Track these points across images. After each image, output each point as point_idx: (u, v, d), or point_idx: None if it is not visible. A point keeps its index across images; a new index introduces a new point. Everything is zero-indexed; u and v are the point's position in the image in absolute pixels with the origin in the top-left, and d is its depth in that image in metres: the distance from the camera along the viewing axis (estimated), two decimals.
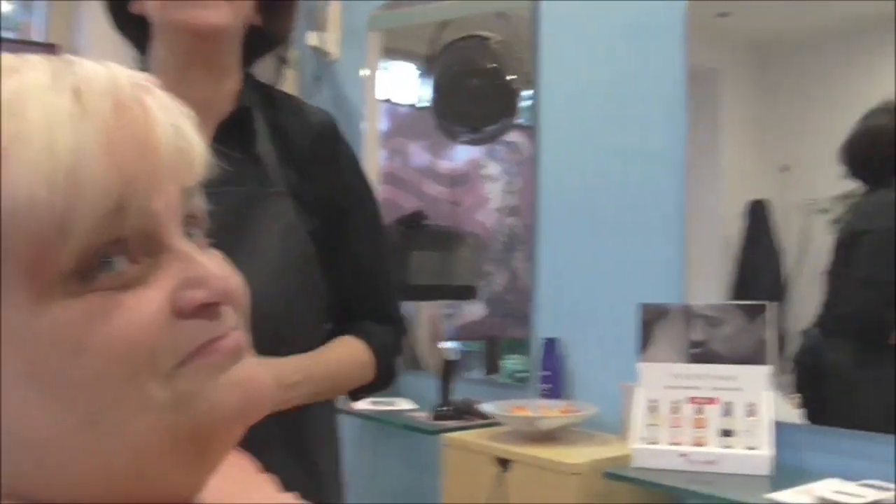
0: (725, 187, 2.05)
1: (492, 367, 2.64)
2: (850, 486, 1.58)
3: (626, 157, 2.24)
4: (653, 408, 1.86)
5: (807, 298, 1.89)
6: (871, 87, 1.77)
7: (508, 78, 2.63)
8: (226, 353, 0.44)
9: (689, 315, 1.91)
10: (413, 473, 2.70)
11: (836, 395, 1.83)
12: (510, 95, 2.62)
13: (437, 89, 2.79)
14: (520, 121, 2.58)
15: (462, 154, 2.79)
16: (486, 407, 2.17)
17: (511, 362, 2.55)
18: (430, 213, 2.82)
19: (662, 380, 1.89)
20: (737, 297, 2.00)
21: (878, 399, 1.76)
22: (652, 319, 1.93)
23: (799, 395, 1.89)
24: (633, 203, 2.22)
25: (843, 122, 1.79)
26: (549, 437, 2.07)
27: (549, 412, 2.12)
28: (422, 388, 2.57)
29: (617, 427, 2.10)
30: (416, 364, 2.75)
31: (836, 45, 1.83)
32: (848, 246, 1.82)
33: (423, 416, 2.38)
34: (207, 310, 0.43)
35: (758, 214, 1.98)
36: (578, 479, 1.84)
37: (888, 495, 1.52)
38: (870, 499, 1.49)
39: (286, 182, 1.06)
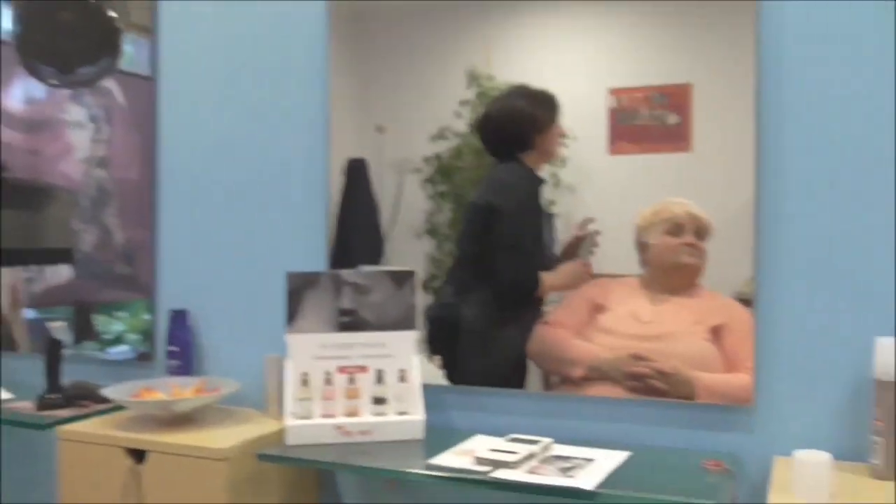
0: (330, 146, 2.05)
1: (82, 335, 2.34)
2: (500, 442, 1.66)
3: (264, 116, 2.11)
4: (304, 381, 1.78)
5: (402, 255, 1.96)
6: (458, 58, 1.90)
7: (110, 14, 2.32)
8: None
9: (338, 283, 1.85)
10: (27, 475, 2.33)
11: (472, 353, 1.90)
12: (111, 35, 2.31)
13: (20, 20, 2.38)
14: (122, 66, 2.29)
15: (39, 95, 2.41)
16: (109, 391, 1.91)
17: (116, 327, 2.28)
18: (5, 164, 2.41)
19: (312, 351, 1.82)
20: (338, 255, 2.01)
21: (510, 355, 1.87)
22: (299, 288, 1.85)
23: (438, 355, 1.94)
24: (273, 164, 2.10)
25: (432, 89, 1.93)
26: (186, 419, 1.90)
27: (183, 392, 1.94)
28: (19, 371, 2.21)
29: (260, 402, 1.99)
30: (10, 343, 2.37)
31: (429, 18, 1.93)
32: (483, 214, 1.89)
33: (26, 405, 2.05)
34: None
35: (356, 172, 1.99)
36: (227, 465, 1.70)
37: (537, 447, 1.61)
38: (524, 453, 1.57)
39: None
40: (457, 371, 1.91)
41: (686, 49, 1.71)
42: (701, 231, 1.71)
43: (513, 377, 1.86)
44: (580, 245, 1.80)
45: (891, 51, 1.56)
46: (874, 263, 1.57)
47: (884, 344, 1.46)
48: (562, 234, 1.83)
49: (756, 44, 1.64)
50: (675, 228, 1.73)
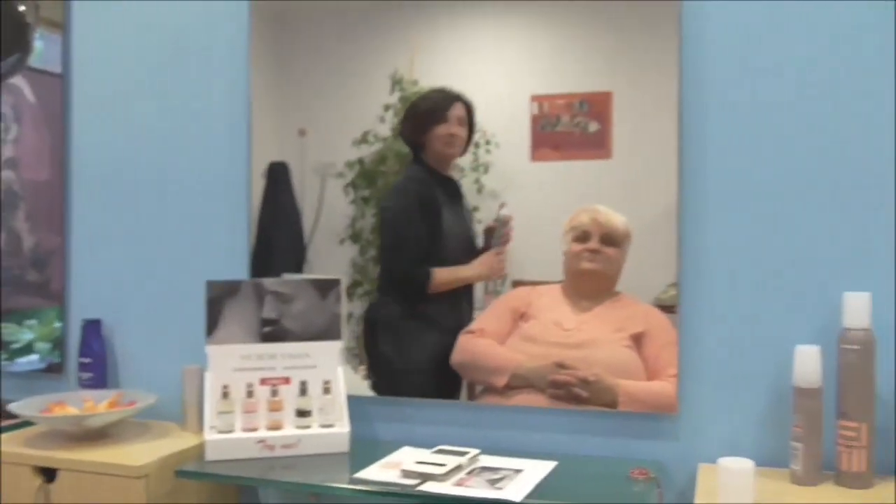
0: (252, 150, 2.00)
1: None
2: (427, 454, 1.63)
3: (182, 117, 2.04)
4: (224, 393, 1.73)
5: (324, 260, 1.92)
6: (381, 62, 1.88)
7: (20, 9, 2.22)
8: None
9: (260, 291, 1.80)
10: None
11: (392, 360, 1.88)
12: (20, 30, 2.22)
13: None
14: (32, 63, 2.20)
15: None
16: (16, 406, 1.82)
17: (25, 336, 2.18)
18: None
19: (233, 362, 1.77)
20: (259, 262, 1.97)
21: (431, 364, 1.84)
22: (219, 297, 1.79)
23: (365, 366, 1.90)
24: (192, 168, 2.04)
25: (355, 93, 1.90)
26: (100, 435, 1.82)
27: (97, 406, 1.86)
28: None
29: (178, 415, 1.92)
30: None
31: (352, 21, 1.90)
32: (379, 217, 1.90)
33: None
34: None
35: (277, 177, 1.95)
36: (144, 482, 1.63)
37: (464, 459, 1.59)
38: (451, 465, 1.54)
39: None
40: (382, 380, 1.89)
41: (606, 58, 1.72)
42: (608, 238, 1.72)
43: (441, 387, 1.84)
44: (492, 235, 1.80)
45: (810, 56, 1.59)
46: (796, 271, 1.60)
47: (803, 351, 1.49)
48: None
49: (679, 50, 1.66)
50: (582, 235, 1.74)
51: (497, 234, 1.80)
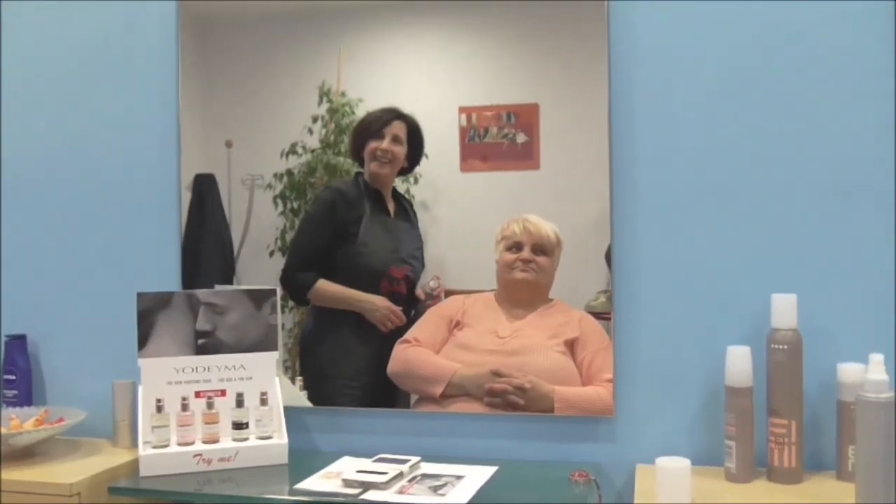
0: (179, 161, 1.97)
1: None
2: (366, 463, 1.62)
3: (109, 126, 2.00)
4: (158, 407, 1.69)
5: (253, 272, 1.91)
6: (308, 73, 1.88)
7: None
8: None
9: (193, 303, 1.77)
10: None
11: (325, 376, 1.87)
12: None
13: None
14: None
15: None
16: None
17: None
18: None
19: (167, 375, 1.73)
20: (187, 274, 1.95)
21: (369, 375, 1.84)
22: (150, 309, 1.75)
23: (302, 377, 1.89)
24: (120, 177, 1.99)
25: (282, 103, 1.90)
26: (27, 454, 1.76)
27: (23, 424, 1.80)
28: None
29: (109, 432, 1.87)
30: None
31: (280, 31, 1.89)
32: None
33: None
34: None
35: (204, 188, 1.93)
36: (76, 501, 1.58)
37: (405, 467, 1.59)
38: (393, 472, 1.54)
39: None
40: (316, 390, 1.87)
41: (533, 70, 1.75)
42: (539, 247, 1.75)
43: (380, 396, 1.83)
44: (419, 302, 1.82)
45: (738, 64, 1.64)
46: (725, 274, 1.65)
47: (734, 352, 1.53)
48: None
49: (608, 60, 1.69)
50: (514, 245, 1.76)
51: (424, 304, 1.81)
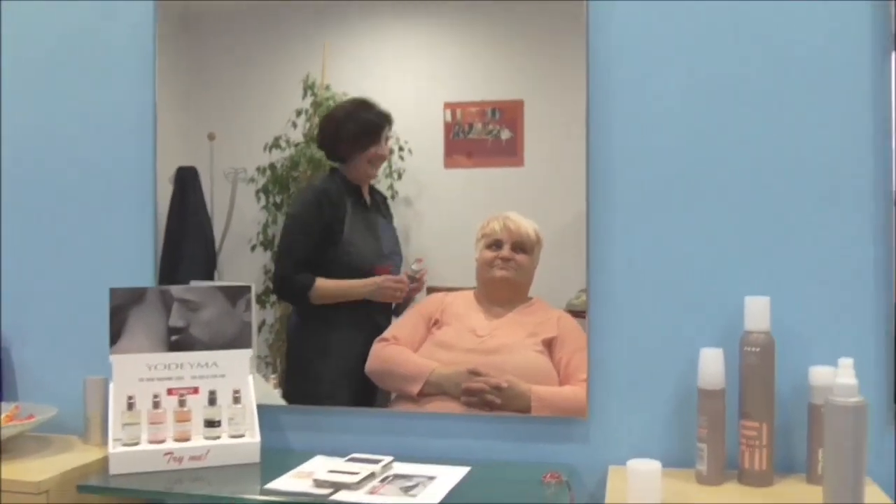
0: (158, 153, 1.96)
1: None
2: (339, 463, 1.62)
3: (84, 118, 1.98)
4: (130, 404, 1.67)
5: (235, 267, 1.90)
6: (293, 66, 1.86)
7: None
8: None
9: (166, 299, 1.75)
10: None
11: (306, 369, 1.86)
12: None
13: None
14: None
15: None
16: None
17: None
18: None
19: (139, 372, 1.72)
20: (167, 269, 1.93)
21: (346, 373, 1.83)
22: (124, 305, 1.74)
23: (276, 375, 1.88)
24: (94, 170, 1.97)
25: (266, 97, 1.88)
26: None
27: None
28: None
29: (81, 429, 1.85)
30: None
31: (263, 24, 1.88)
32: (284, 222, 1.89)
33: None
34: None
35: (186, 181, 1.92)
36: (45, 499, 1.57)
37: (377, 467, 1.58)
38: (364, 473, 1.53)
39: None
40: (297, 389, 1.86)
41: (518, 66, 1.75)
42: (519, 245, 1.74)
43: (357, 395, 1.83)
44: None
45: (715, 67, 1.64)
46: (699, 276, 1.65)
47: (706, 354, 1.53)
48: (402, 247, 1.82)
49: (586, 59, 1.69)
50: (494, 243, 1.76)
51: (408, 286, 1.81)
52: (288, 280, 1.86)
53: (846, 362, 1.32)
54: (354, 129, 1.83)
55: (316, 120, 1.85)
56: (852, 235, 1.59)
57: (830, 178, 1.60)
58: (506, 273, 1.76)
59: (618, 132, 1.69)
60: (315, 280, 1.83)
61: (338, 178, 1.84)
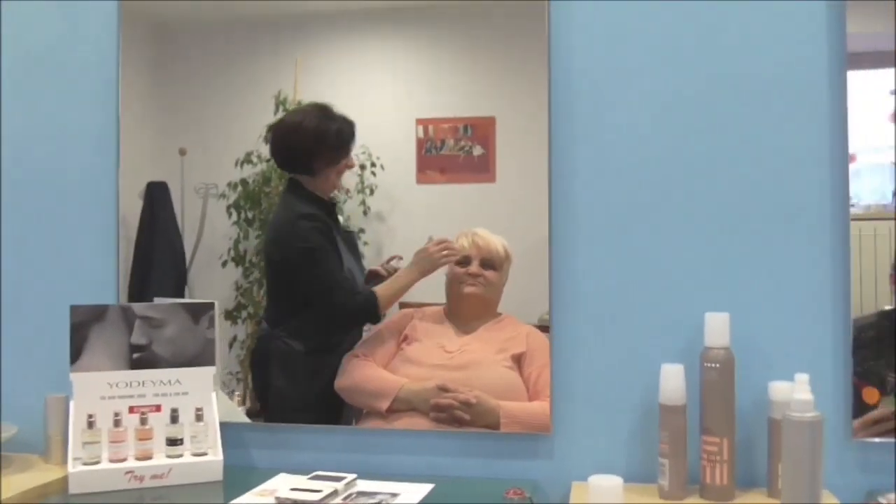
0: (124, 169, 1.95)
1: None
2: (302, 480, 1.61)
3: (49, 132, 1.96)
4: (90, 423, 1.66)
5: (206, 283, 1.89)
6: (264, 81, 1.86)
7: None
8: None
9: (128, 316, 1.74)
10: None
11: (285, 387, 1.85)
12: None
13: None
14: None
15: None
16: None
17: None
18: None
19: (100, 390, 1.70)
20: (137, 285, 1.91)
21: (317, 391, 1.83)
22: (84, 322, 1.72)
23: (244, 392, 1.87)
24: (59, 186, 1.95)
25: (238, 112, 1.88)
26: None
27: None
28: None
29: (41, 447, 1.83)
30: None
31: (234, 38, 1.88)
32: (273, 270, 1.87)
33: None
34: None
35: (156, 197, 1.91)
36: None
37: (340, 485, 1.57)
38: (327, 490, 1.53)
39: None
40: (267, 406, 1.85)
41: (490, 82, 1.76)
42: (487, 261, 1.75)
43: (326, 411, 1.82)
44: (376, 279, 1.80)
45: (676, 86, 1.67)
46: (660, 293, 1.67)
47: (668, 370, 1.54)
48: (371, 263, 1.82)
49: (548, 79, 1.71)
50: (463, 259, 1.76)
51: (381, 281, 1.80)
52: (353, 306, 1.82)
53: (802, 378, 1.34)
54: (334, 142, 1.82)
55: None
56: (810, 253, 1.62)
57: (789, 197, 1.62)
58: (474, 289, 1.76)
59: (579, 149, 1.70)
60: (376, 292, 1.81)
61: (305, 195, 1.83)
